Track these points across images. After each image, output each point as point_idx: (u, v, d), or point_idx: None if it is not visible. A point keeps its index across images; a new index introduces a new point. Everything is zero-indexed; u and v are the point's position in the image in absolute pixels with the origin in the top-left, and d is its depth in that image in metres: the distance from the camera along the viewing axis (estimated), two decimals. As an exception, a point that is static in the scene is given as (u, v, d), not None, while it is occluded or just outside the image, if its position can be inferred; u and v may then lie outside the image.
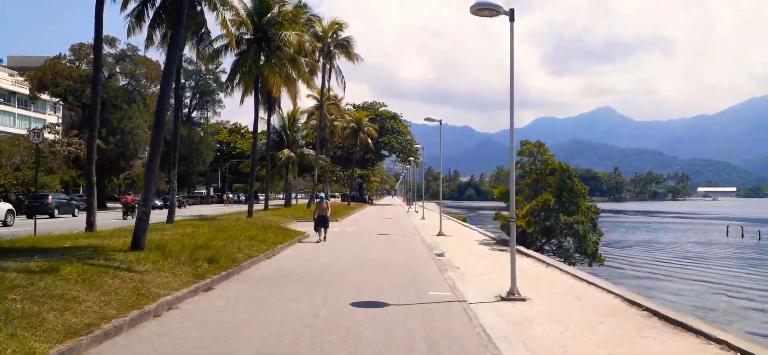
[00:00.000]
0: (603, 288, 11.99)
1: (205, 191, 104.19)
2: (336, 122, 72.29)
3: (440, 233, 27.74)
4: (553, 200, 22.22)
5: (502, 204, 28.29)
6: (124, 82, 74.18)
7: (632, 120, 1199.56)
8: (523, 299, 10.77)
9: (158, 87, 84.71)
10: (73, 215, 39.82)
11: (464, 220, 47.32)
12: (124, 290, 9.20)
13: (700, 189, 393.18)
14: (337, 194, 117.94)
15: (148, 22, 25.44)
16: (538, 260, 17.87)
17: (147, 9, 24.21)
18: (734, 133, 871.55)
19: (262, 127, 50.62)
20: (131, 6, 23.90)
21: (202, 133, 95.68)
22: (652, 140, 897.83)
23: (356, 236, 25.94)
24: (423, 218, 44.88)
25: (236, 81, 32.26)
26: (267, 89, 33.14)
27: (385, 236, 26.39)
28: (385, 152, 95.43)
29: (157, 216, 29.12)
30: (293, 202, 73.87)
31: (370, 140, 68.85)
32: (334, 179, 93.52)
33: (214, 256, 13.55)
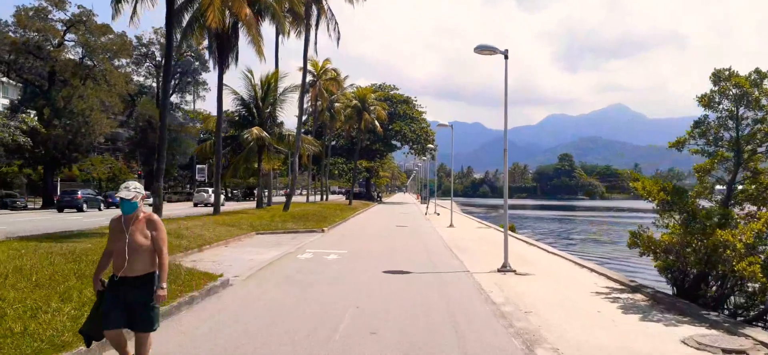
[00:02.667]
0: None
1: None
2: (337, 103, 58.74)
3: (505, 267, 14.15)
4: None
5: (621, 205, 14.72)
6: (78, 54, 61.03)
7: (645, 117, 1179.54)
8: None
9: (123, 62, 71.73)
10: (99, 210, 42.28)
11: (512, 228, 33.44)
12: None
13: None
14: (336, 189, 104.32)
15: None
16: None
17: None
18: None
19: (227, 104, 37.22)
20: None
21: (182, 120, 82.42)
22: (665, 137, 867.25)
23: (335, 284, 12.43)
24: (452, 226, 31.23)
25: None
26: (202, 13, 19.70)
27: (400, 279, 12.92)
28: (396, 143, 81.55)
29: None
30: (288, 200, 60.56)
31: (377, 123, 54.67)
32: (336, 172, 79.86)
33: None
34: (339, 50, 50.50)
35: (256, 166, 36.13)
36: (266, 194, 42.32)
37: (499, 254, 15.27)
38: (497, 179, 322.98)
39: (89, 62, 62.07)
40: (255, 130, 32.52)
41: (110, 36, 64.27)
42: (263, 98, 35.27)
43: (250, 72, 34.79)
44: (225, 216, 25.79)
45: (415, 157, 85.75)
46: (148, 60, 78.88)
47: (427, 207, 49.34)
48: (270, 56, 37.76)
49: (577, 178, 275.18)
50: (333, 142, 78.46)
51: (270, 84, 35.08)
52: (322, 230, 24.98)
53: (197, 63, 78.08)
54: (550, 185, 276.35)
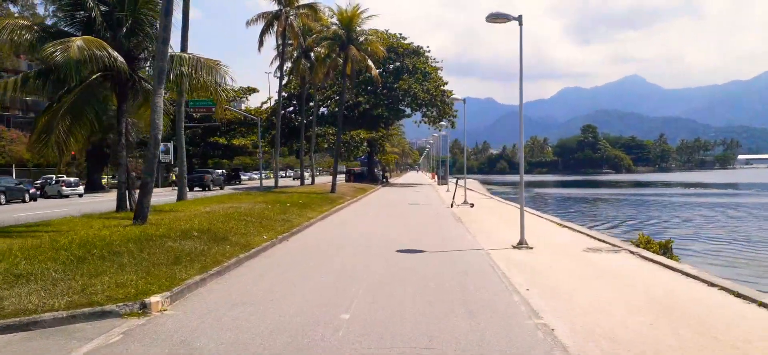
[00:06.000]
0: None
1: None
2: (319, 47, 40.33)
3: None
4: None
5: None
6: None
7: (661, 88, 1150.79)
8: None
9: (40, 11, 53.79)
10: (24, 201, 37.63)
11: (666, 246, 15.17)
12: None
13: (740, 157, 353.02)
14: (343, 169, 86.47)
15: None
16: None
17: None
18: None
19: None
20: None
21: (148, 87, 64.70)
22: (682, 108, 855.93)
23: None
24: (523, 244, 13.22)
25: None
26: None
27: None
28: (405, 108, 62.54)
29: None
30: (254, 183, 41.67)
31: (371, 64, 35.23)
32: (325, 146, 61.71)
33: None
34: None
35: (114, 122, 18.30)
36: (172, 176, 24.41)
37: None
38: (514, 154, 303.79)
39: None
40: (78, 41, 14.41)
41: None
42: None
43: None
44: None
45: (430, 126, 66.72)
46: (82, 9, 60.75)
47: (454, 193, 31.19)
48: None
49: (603, 150, 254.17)
50: (322, 109, 60.43)
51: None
52: (145, 305, 7.17)
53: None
54: (573, 158, 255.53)
